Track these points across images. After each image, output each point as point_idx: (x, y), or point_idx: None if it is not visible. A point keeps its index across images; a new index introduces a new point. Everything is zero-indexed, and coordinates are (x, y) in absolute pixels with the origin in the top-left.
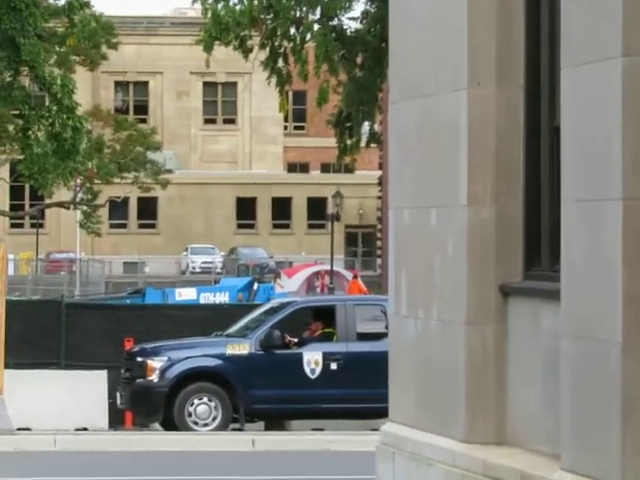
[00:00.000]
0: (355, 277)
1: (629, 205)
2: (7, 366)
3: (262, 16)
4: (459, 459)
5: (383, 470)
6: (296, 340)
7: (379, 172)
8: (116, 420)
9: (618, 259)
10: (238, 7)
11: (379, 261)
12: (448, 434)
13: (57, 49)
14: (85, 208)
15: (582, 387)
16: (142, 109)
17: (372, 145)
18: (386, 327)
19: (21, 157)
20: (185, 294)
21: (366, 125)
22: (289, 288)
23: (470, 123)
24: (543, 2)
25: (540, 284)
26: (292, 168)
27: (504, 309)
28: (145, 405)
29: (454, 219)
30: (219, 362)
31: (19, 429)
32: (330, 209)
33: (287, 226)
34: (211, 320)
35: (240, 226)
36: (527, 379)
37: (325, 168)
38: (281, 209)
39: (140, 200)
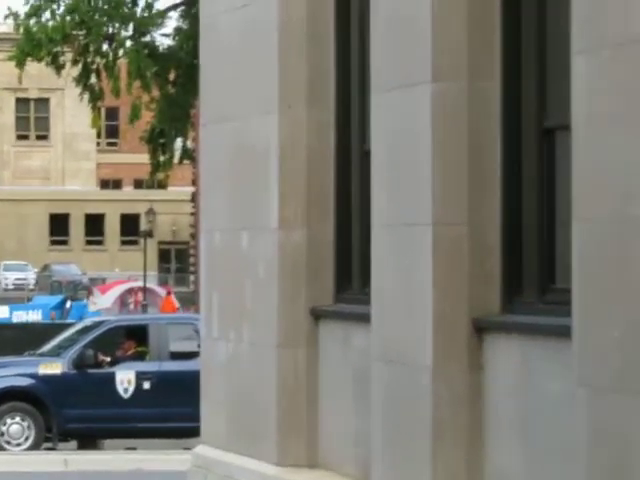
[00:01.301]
0: (169, 294)
1: (438, 230)
2: None
3: (75, 32)
4: None
5: None
6: (109, 359)
7: (192, 188)
8: None
9: (428, 283)
10: (51, 23)
11: (192, 277)
12: (260, 457)
13: None
14: None
15: (393, 411)
16: None
17: (185, 161)
18: (199, 346)
19: None
20: None
21: (179, 141)
22: (102, 305)
23: (281, 146)
24: (353, 27)
25: (351, 307)
26: (105, 184)
27: (315, 332)
28: None
29: (265, 242)
30: (31, 381)
31: None
32: (143, 225)
33: (100, 242)
34: (24, 339)
35: (53, 242)
36: (338, 402)
37: (138, 184)
38: (94, 225)
39: None
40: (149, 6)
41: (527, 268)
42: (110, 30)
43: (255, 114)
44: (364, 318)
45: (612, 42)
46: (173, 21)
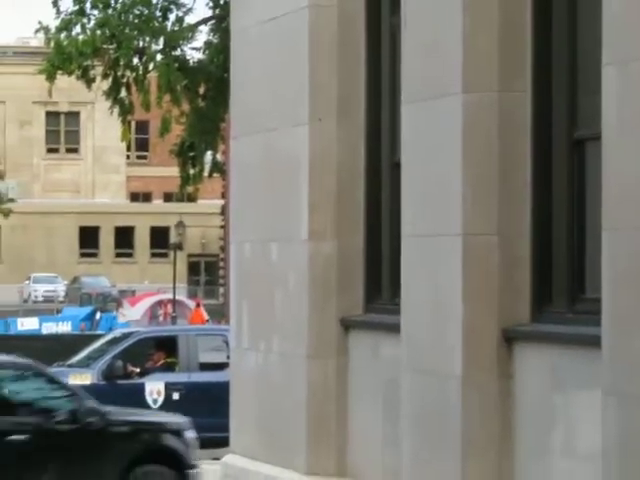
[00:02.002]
0: (198, 306)
1: (468, 240)
2: None
3: (105, 46)
4: None
5: None
6: (138, 370)
7: (222, 201)
8: None
9: (457, 293)
10: (81, 37)
11: (222, 290)
12: (290, 466)
13: None
14: None
15: (423, 420)
16: None
17: (215, 174)
18: (228, 357)
19: None
20: (27, 324)
21: (209, 155)
22: (132, 317)
23: (311, 158)
24: (384, 40)
25: (381, 317)
26: (135, 197)
27: (345, 342)
28: None
29: (295, 253)
30: None
31: None
32: (173, 238)
33: (130, 255)
34: (53, 350)
35: (83, 255)
36: (368, 412)
37: (168, 197)
38: (124, 238)
39: None
40: (180, 20)
41: (557, 278)
42: (140, 44)
43: (286, 126)
44: (394, 328)
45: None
46: (203, 35)
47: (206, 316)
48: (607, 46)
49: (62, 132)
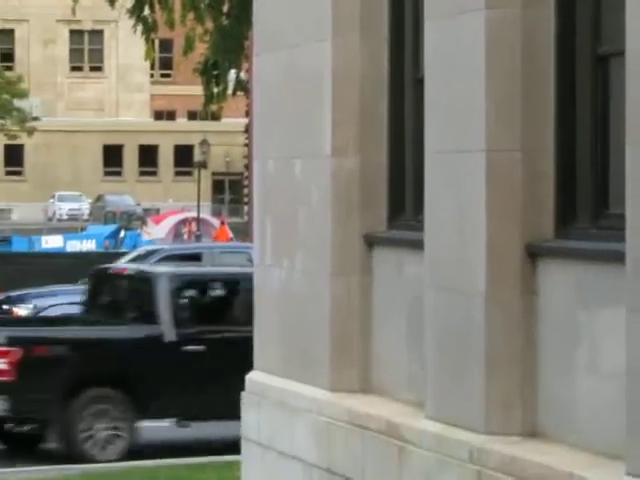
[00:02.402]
0: (222, 223)
1: (492, 156)
2: None
3: None
4: (325, 407)
5: (248, 418)
6: None
7: (246, 120)
8: None
9: (481, 209)
10: None
11: (246, 208)
12: (314, 383)
13: None
14: None
15: (446, 337)
16: (8, 57)
17: (239, 93)
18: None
19: None
20: (52, 242)
21: (233, 73)
22: (156, 235)
23: (334, 74)
24: None
25: (404, 234)
26: (159, 116)
27: (369, 259)
28: None
29: (318, 169)
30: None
31: None
32: (197, 156)
33: (154, 173)
34: (78, 268)
35: (107, 173)
36: (392, 328)
37: (192, 116)
38: (148, 156)
39: (7, 147)
40: None
41: (580, 194)
42: None
43: (308, 42)
44: (418, 245)
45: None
46: None
47: (230, 234)
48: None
49: (86, 50)
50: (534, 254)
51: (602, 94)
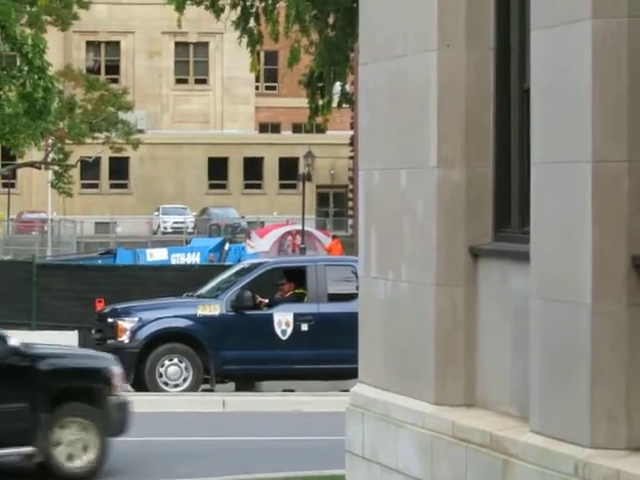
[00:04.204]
0: (335, 237)
1: (598, 167)
2: None
3: None
4: (428, 421)
5: (353, 431)
6: (267, 301)
7: (350, 132)
8: None
9: (587, 221)
10: None
11: (351, 221)
12: (418, 396)
13: (28, 9)
14: (57, 168)
15: (551, 349)
16: (114, 69)
17: (344, 105)
18: (357, 288)
19: None
20: (156, 255)
21: (338, 85)
22: (260, 248)
23: (440, 85)
24: None
25: (510, 246)
26: (264, 128)
27: (474, 271)
28: None
29: (424, 181)
30: (190, 323)
31: None
32: (302, 169)
33: (259, 186)
34: (182, 281)
35: (212, 186)
36: (497, 341)
37: (297, 128)
38: (253, 169)
39: (112, 160)
40: None
41: None
42: None
43: (414, 52)
44: (523, 257)
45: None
46: None
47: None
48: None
49: (191, 63)
50: None
51: None
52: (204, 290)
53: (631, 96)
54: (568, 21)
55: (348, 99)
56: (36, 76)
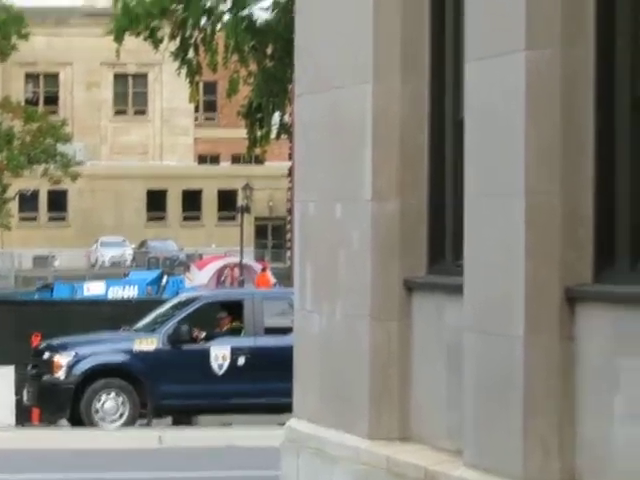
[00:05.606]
0: (264, 269)
1: (531, 198)
2: None
3: (173, 6)
4: (363, 455)
5: (287, 466)
6: (204, 335)
7: (289, 163)
8: (23, 417)
9: (521, 253)
10: None
11: (289, 253)
12: (352, 430)
13: None
14: None
15: (485, 381)
16: (52, 100)
17: (282, 136)
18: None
19: None
20: (93, 288)
21: (276, 116)
22: (199, 281)
23: (374, 117)
24: None
25: (444, 278)
26: (203, 159)
27: (408, 304)
28: (52, 402)
29: (359, 213)
30: (126, 357)
31: None
32: (240, 201)
33: (197, 218)
34: (120, 315)
35: (150, 218)
36: (431, 375)
37: (236, 159)
38: (191, 201)
39: (50, 193)
40: None
41: (620, 237)
42: (208, 4)
43: (350, 84)
44: (457, 289)
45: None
46: None
47: (273, 280)
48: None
49: (130, 94)
50: (573, 298)
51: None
52: (141, 324)
53: (563, 126)
54: (502, 52)
55: (287, 130)
56: None
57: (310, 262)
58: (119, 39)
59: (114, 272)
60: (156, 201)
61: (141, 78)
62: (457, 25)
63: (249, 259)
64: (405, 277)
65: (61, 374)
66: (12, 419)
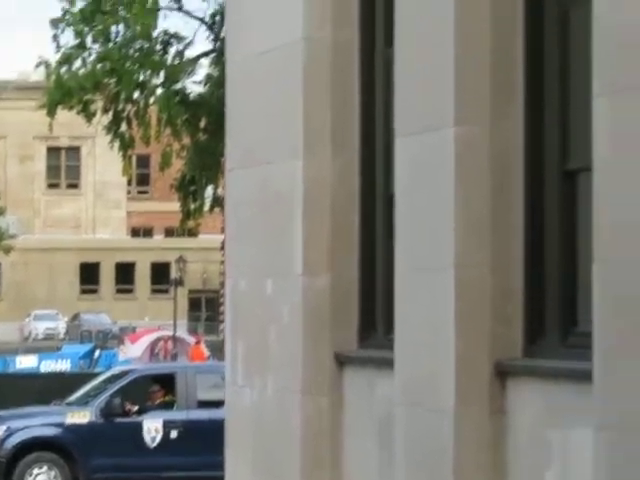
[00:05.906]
0: (197, 342)
1: (460, 272)
2: None
3: (106, 80)
4: None
5: None
6: (136, 408)
7: (222, 236)
8: None
9: (450, 326)
10: (82, 71)
11: (222, 326)
12: None
13: None
14: None
15: (415, 455)
16: None
17: (215, 209)
18: None
19: None
20: (25, 362)
21: (210, 189)
22: (132, 354)
23: (305, 191)
24: (378, 72)
25: (375, 353)
26: (136, 233)
27: (339, 378)
28: None
29: (289, 287)
30: (58, 431)
31: None
32: (173, 274)
33: (131, 291)
34: (52, 388)
35: (84, 291)
36: (362, 450)
37: (169, 232)
38: (125, 274)
39: None
40: (180, 54)
41: (549, 311)
42: (141, 78)
43: (280, 160)
44: (388, 363)
45: (630, 86)
46: (204, 68)
47: (207, 353)
48: (597, 77)
49: (63, 167)
50: (503, 372)
51: (570, 210)
52: (74, 397)
53: (493, 200)
54: (431, 128)
55: (220, 203)
56: None
57: (241, 337)
58: (52, 113)
59: (47, 345)
60: (89, 274)
61: (74, 151)
62: (387, 100)
63: (182, 332)
64: (336, 351)
65: None
66: None
